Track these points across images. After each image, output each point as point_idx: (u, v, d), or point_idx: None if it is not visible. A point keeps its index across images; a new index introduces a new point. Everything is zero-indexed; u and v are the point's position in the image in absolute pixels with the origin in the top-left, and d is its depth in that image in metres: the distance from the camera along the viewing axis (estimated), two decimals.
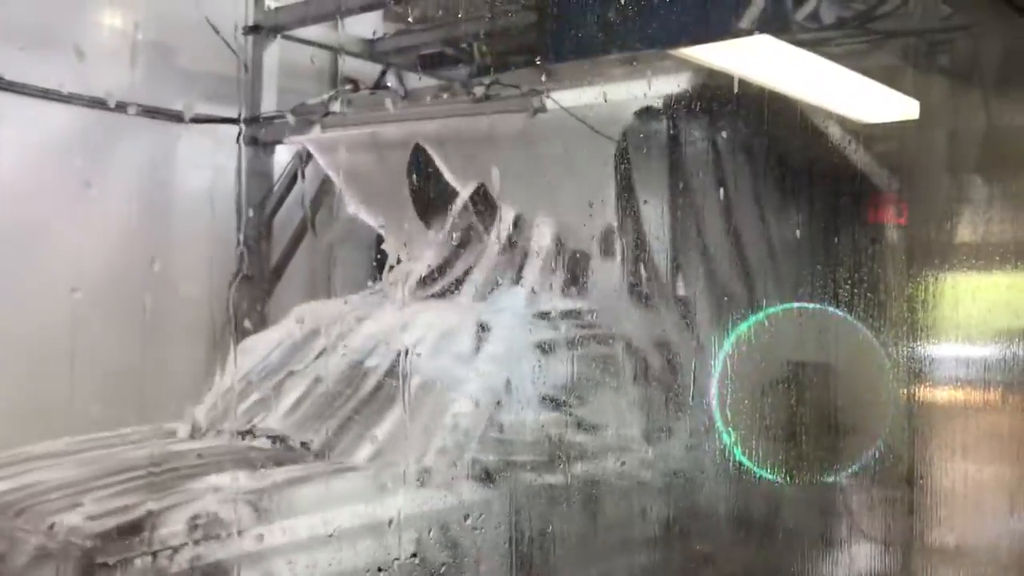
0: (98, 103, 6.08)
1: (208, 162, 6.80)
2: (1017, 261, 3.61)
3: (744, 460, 4.45)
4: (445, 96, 5.08)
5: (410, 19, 6.90)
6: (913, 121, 3.41)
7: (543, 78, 4.54)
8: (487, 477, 4.04)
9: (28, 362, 5.33)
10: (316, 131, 5.72)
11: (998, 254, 3.65)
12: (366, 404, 4.36)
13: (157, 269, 6.04)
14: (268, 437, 4.41)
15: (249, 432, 4.50)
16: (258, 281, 6.59)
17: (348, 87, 6.43)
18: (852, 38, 3.65)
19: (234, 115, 6.69)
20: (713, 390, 4.73)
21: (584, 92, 4.36)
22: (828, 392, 4.57)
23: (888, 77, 3.40)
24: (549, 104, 4.43)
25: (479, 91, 4.66)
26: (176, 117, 6.60)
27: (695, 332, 4.88)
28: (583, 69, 4.46)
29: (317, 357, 4.82)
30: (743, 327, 4.63)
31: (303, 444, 4.28)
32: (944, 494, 3.95)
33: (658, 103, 4.25)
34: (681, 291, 5.04)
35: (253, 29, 6.62)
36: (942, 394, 3.93)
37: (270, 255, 6.78)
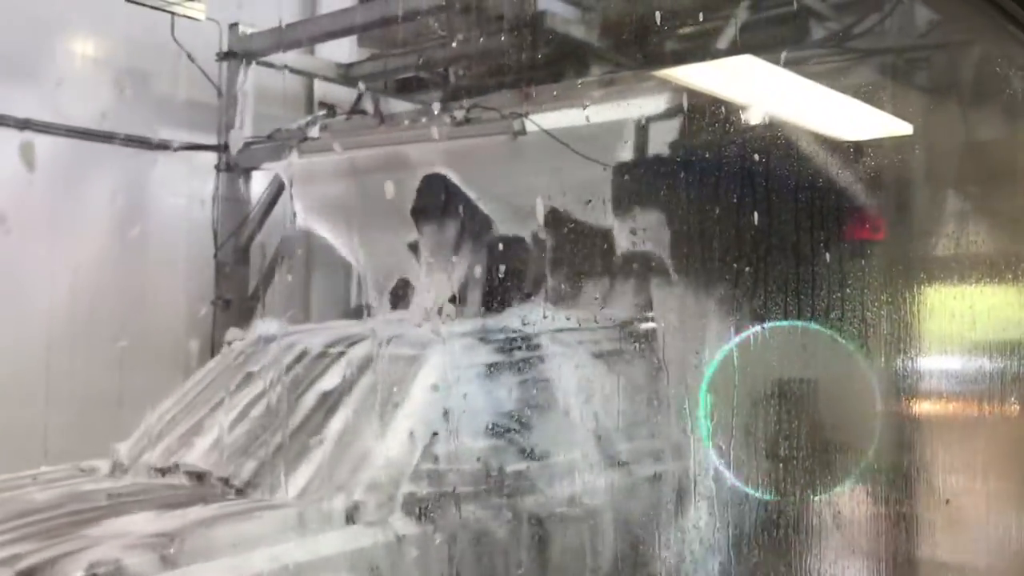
0: (73, 132, 6.04)
1: (184, 189, 6.76)
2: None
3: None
4: (423, 120, 5.06)
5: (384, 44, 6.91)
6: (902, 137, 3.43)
7: (523, 101, 4.53)
8: (422, 511, 3.79)
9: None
10: (294, 156, 5.69)
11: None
12: (295, 437, 4.09)
13: (129, 294, 5.99)
14: (188, 473, 4.10)
15: (170, 469, 4.18)
16: (236, 306, 6.53)
17: (324, 112, 6.40)
18: (838, 56, 3.68)
19: (209, 142, 6.67)
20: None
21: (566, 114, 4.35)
22: (807, 413, 4.57)
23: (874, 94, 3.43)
24: (529, 127, 4.42)
25: (459, 115, 4.64)
26: (154, 145, 6.57)
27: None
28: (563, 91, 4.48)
29: (246, 388, 4.54)
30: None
31: (225, 481, 3.96)
32: (926, 503, 3.96)
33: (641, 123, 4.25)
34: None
35: (227, 55, 6.59)
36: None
37: (247, 280, 6.72)
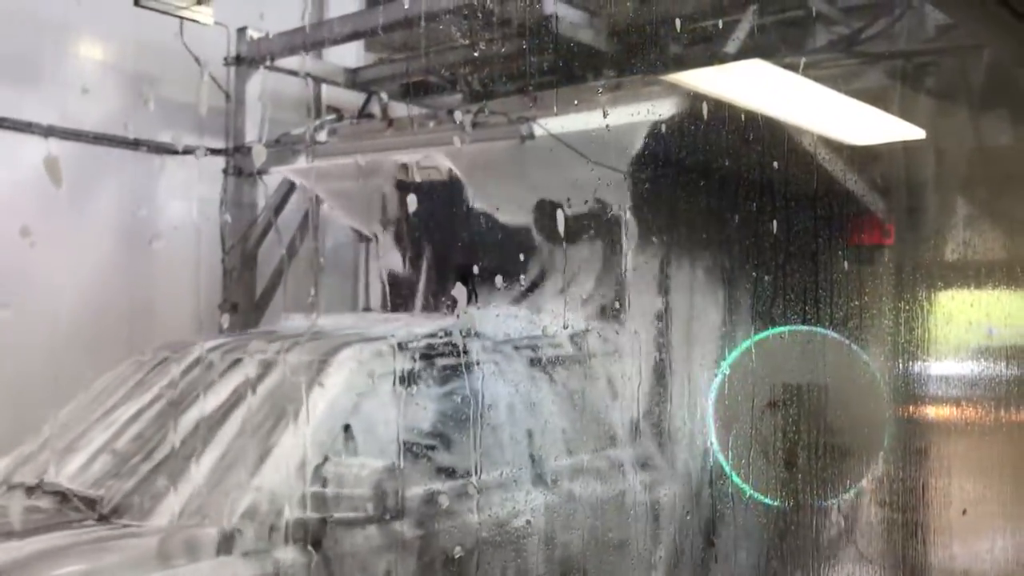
0: (80, 135, 6.06)
1: (192, 192, 6.77)
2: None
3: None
4: (432, 124, 5.05)
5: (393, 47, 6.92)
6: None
7: (531, 105, 4.53)
8: (309, 540, 3.41)
9: (7, 392, 5.23)
10: (302, 160, 5.69)
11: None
12: (173, 456, 3.67)
13: (139, 300, 6.00)
14: (51, 494, 3.63)
15: (36, 487, 3.72)
16: (243, 310, 6.53)
17: (332, 116, 6.40)
18: (849, 60, 3.66)
19: (216, 145, 6.69)
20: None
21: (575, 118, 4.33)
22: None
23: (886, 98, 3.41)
24: (538, 131, 4.41)
25: (467, 119, 4.64)
26: (162, 148, 6.58)
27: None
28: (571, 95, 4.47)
29: (133, 399, 4.15)
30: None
31: (90, 504, 3.49)
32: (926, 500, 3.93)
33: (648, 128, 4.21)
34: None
35: (236, 60, 6.60)
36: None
37: (255, 284, 6.73)
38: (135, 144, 6.45)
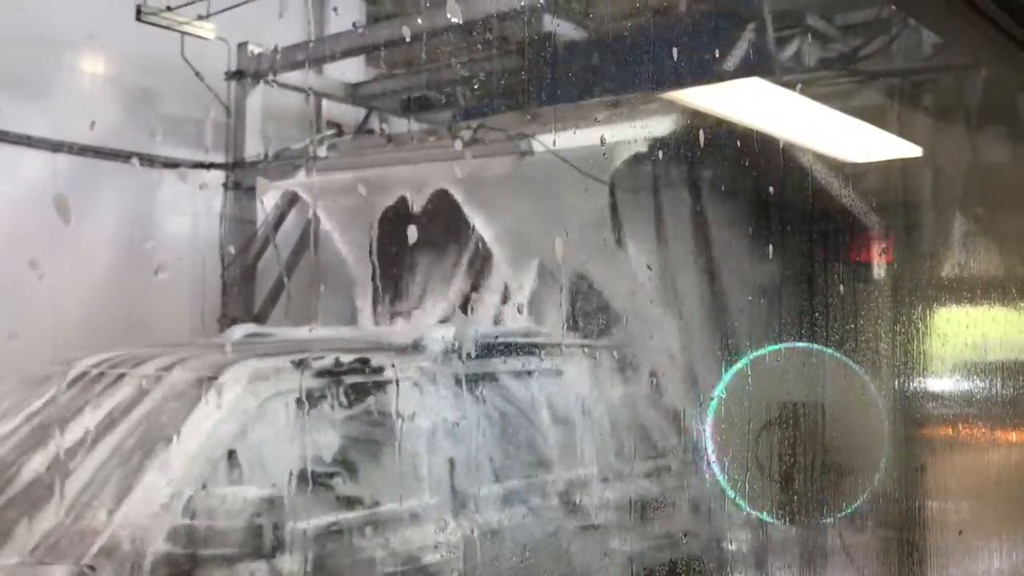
0: (80, 149, 6.08)
1: (190, 206, 6.79)
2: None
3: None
4: (431, 140, 5.07)
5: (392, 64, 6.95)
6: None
7: (529, 121, 4.55)
8: None
9: None
10: (302, 175, 5.71)
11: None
12: (33, 485, 3.33)
13: (136, 315, 6.00)
14: None
15: None
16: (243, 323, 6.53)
17: (332, 132, 6.43)
18: (844, 78, 3.68)
19: (216, 160, 6.71)
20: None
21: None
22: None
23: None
24: (536, 147, 4.43)
25: (466, 135, 4.65)
26: (162, 163, 6.61)
27: None
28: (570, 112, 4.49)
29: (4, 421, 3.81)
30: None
31: None
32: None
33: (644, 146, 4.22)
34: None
35: (236, 74, 6.63)
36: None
37: (254, 298, 6.73)
38: (133, 158, 6.47)
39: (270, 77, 6.63)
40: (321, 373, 3.72)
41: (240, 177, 6.56)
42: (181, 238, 6.66)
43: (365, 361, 3.86)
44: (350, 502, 3.57)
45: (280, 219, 6.49)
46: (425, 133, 5.25)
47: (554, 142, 4.23)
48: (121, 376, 3.70)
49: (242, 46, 6.63)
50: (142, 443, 3.39)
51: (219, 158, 6.71)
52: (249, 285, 6.66)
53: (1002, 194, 3.72)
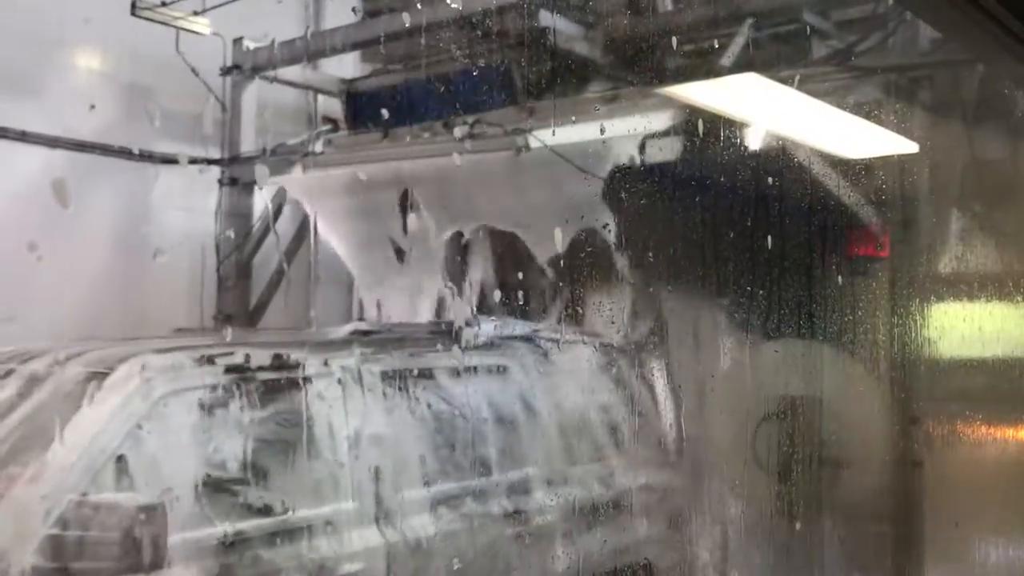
0: (77, 145, 6.06)
1: (186, 202, 6.78)
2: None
3: None
4: (426, 135, 5.07)
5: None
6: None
7: (526, 117, 4.54)
8: None
9: None
10: (297, 171, 5.70)
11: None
12: None
13: (132, 309, 5.99)
14: None
15: None
16: (238, 320, 6.52)
17: (328, 127, 6.41)
18: (843, 74, 3.69)
19: (211, 155, 6.69)
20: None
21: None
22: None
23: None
24: (533, 143, 4.43)
25: (463, 131, 4.65)
26: (154, 158, 6.59)
27: None
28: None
29: None
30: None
31: None
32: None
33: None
34: None
35: (231, 70, 6.61)
36: None
37: (250, 294, 6.72)
38: (130, 154, 6.46)
39: (265, 72, 6.61)
40: (229, 370, 3.45)
41: (236, 172, 6.55)
42: (177, 233, 6.65)
43: (280, 358, 3.61)
44: (257, 509, 3.33)
45: (276, 214, 6.48)
46: (421, 129, 5.24)
47: (553, 133, 4.21)
48: (9, 372, 3.38)
49: (237, 41, 6.61)
50: (19, 446, 3.11)
51: (215, 153, 6.70)
52: (245, 280, 6.65)
53: (999, 190, 3.73)
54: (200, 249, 6.63)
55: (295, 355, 3.66)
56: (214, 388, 3.38)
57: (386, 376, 3.88)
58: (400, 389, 3.91)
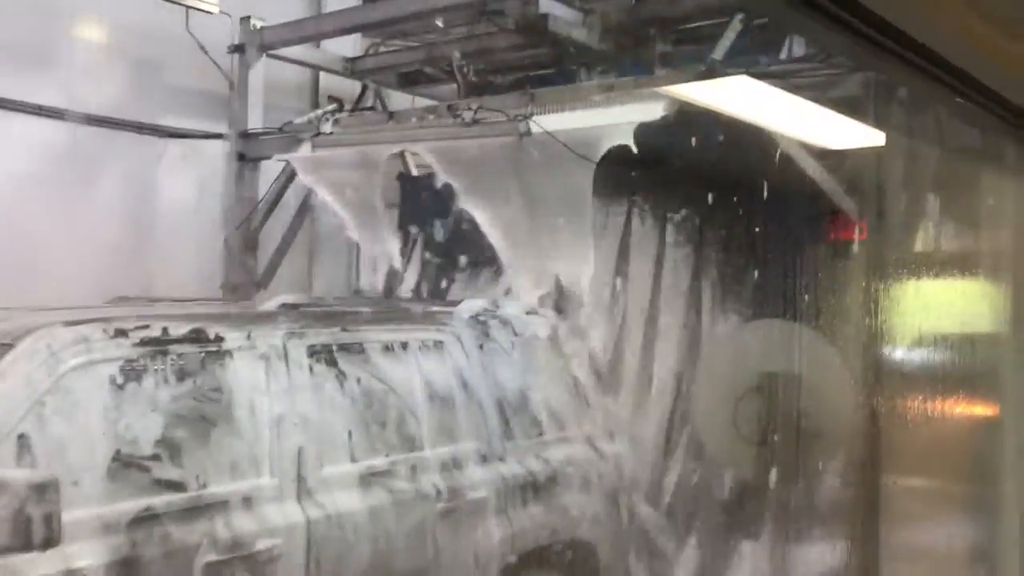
0: (86, 119, 6.26)
1: (194, 176, 6.99)
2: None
3: None
4: (431, 118, 5.30)
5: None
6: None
7: (528, 103, 4.78)
8: None
9: None
10: (306, 148, 5.93)
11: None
12: None
13: (139, 282, 6.20)
14: None
15: None
16: (244, 291, 6.76)
17: (333, 106, 6.63)
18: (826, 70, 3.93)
19: (219, 130, 6.90)
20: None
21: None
22: None
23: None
24: (534, 128, 4.67)
25: (468, 115, 4.89)
26: (165, 132, 6.80)
27: None
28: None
29: None
30: None
31: None
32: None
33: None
34: None
35: (239, 48, 6.81)
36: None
37: (256, 266, 6.96)
38: (140, 128, 6.67)
39: (272, 51, 6.81)
40: (144, 343, 3.37)
41: (243, 148, 6.76)
42: (184, 206, 6.88)
43: (200, 332, 3.54)
44: (170, 485, 3.27)
45: (282, 190, 6.71)
46: (425, 111, 5.47)
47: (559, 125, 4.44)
48: None
49: (244, 20, 6.80)
50: None
51: (223, 129, 6.90)
52: (251, 252, 6.89)
53: (964, 179, 4.00)
54: (208, 222, 6.86)
55: (216, 329, 3.59)
56: (127, 361, 3.29)
57: (313, 351, 3.82)
58: (328, 364, 3.86)
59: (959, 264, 3.03)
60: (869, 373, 4.27)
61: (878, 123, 3.82)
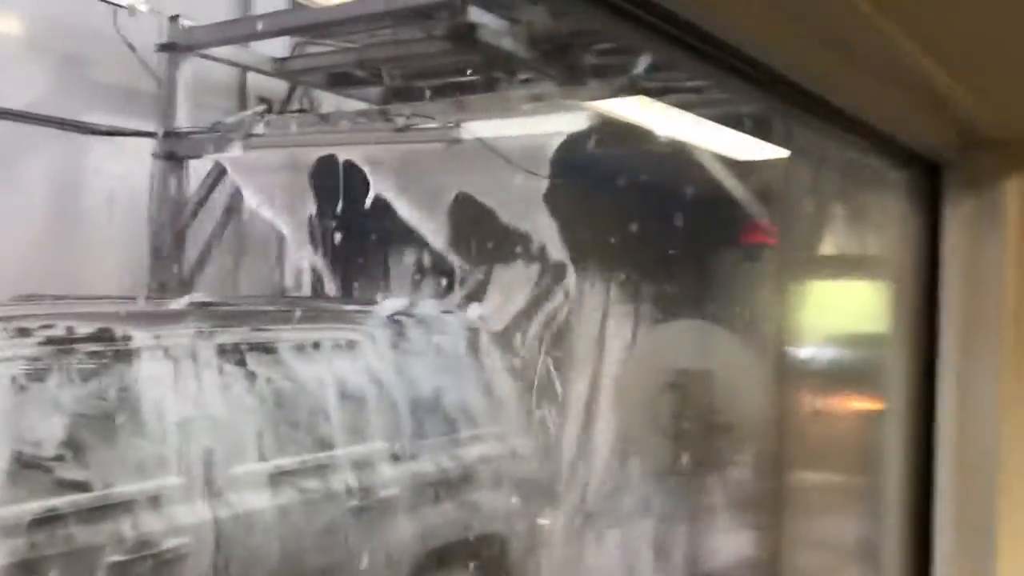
0: (10, 114, 6.19)
1: (120, 174, 6.95)
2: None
3: None
4: (363, 121, 5.43)
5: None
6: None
7: (458, 111, 4.94)
8: None
9: None
10: (237, 149, 5.98)
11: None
12: None
13: (62, 280, 6.16)
14: None
15: None
16: (171, 290, 6.76)
17: (262, 107, 6.69)
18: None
19: (146, 128, 6.88)
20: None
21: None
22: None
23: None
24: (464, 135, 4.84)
25: (400, 120, 5.03)
26: (88, 129, 6.75)
27: None
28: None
29: None
30: None
31: None
32: None
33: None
34: None
35: (168, 47, 6.81)
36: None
37: (182, 265, 6.97)
38: (63, 124, 6.61)
39: (200, 50, 6.83)
40: (48, 343, 3.33)
41: (170, 147, 6.77)
42: (111, 204, 6.84)
43: (107, 331, 3.50)
44: (73, 486, 3.23)
45: (210, 189, 6.74)
46: (357, 114, 5.59)
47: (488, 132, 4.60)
48: None
49: (174, 19, 6.81)
50: None
51: (150, 127, 6.89)
52: (177, 252, 6.89)
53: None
54: (135, 220, 6.84)
55: (124, 328, 3.56)
56: (29, 361, 3.24)
57: (223, 351, 3.81)
58: (238, 364, 3.85)
59: (855, 269, 3.30)
60: (775, 370, 4.56)
61: (783, 138, 4.11)
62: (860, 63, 1.38)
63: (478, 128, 4.80)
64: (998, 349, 2.01)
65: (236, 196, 6.72)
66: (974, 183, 2.05)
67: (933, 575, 2.05)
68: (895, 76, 1.45)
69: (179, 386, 3.62)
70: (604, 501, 5.67)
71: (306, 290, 6.83)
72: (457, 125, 4.83)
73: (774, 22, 1.12)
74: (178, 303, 4.97)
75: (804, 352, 3.95)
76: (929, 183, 2.10)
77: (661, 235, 5.19)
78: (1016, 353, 2.00)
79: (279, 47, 7.55)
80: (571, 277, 5.12)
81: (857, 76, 1.45)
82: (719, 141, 4.24)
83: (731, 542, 5.45)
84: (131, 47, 6.53)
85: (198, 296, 5.22)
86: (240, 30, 6.95)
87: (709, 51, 1.17)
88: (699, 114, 3.92)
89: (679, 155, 4.39)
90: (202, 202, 6.78)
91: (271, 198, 5.74)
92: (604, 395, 5.40)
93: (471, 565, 4.55)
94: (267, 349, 3.98)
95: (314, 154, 5.41)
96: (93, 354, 3.41)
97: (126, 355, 3.52)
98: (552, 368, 5.47)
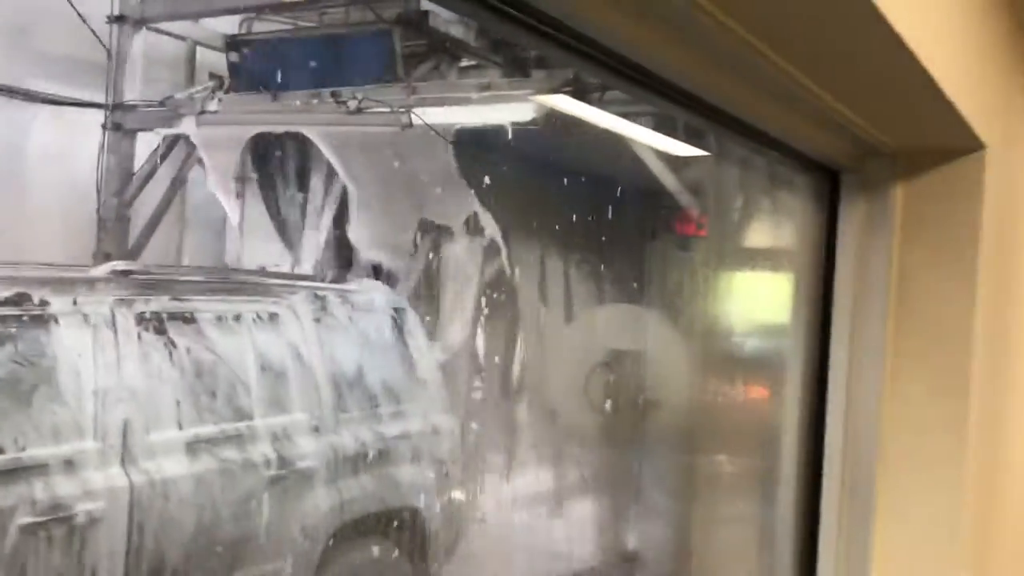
0: None
1: (68, 144, 6.96)
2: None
3: None
4: (315, 102, 5.57)
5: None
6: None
7: (409, 95, 5.13)
8: None
9: None
10: (189, 124, 6.08)
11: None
12: None
13: (7, 248, 6.17)
14: None
15: None
16: (117, 259, 6.81)
17: (213, 83, 6.77)
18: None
19: (95, 100, 6.90)
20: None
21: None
22: None
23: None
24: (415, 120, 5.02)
25: (352, 103, 5.18)
26: (38, 98, 6.74)
27: None
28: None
29: None
30: None
31: None
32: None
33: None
34: None
35: (119, 19, 6.84)
36: None
37: (128, 236, 7.03)
38: (10, 91, 6.60)
39: (151, 24, 6.88)
40: None
41: (119, 119, 6.82)
42: (57, 174, 6.85)
43: (23, 295, 3.52)
44: None
45: (158, 163, 6.81)
46: (310, 95, 5.74)
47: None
48: None
49: None
50: None
51: (99, 99, 6.92)
52: (123, 223, 6.95)
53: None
54: (82, 191, 6.87)
55: (41, 293, 3.58)
56: None
57: (143, 319, 3.84)
58: (157, 333, 3.89)
59: (768, 262, 3.55)
60: (699, 353, 4.85)
61: (707, 140, 4.37)
62: (759, 86, 1.63)
63: (428, 114, 4.98)
64: (883, 339, 2.28)
65: (184, 169, 6.80)
66: (867, 188, 2.34)
67: (819, 544, 2.33)
68: (789, 97, 1.71)
69: (97, 353, 3.66)
70: (528, 475, 5.90)
71: (247, 263, 6.94)
72: (408, 110, 5.00)
73: (674, 45, 1.35)
74: (98, 270, 4.95)
75: (721, 338, 4.20)
76: (828, 187, 2.38)
77: (599, 223, 5.44)
78: (897, 343, 2.29)
79: (230, 24, 7.61)
80: (504, 255, 5.27)
81: (758, 96, 1.70)
82: (655, 138, 4.51)
83: (652, 515, 5.70)
84: (81, 17, 6.54)
85: (120, 264, 5.15)
86: (192, 5, 7.00)
87: (629, 73, 1.41)
88: (634, 113, 4.17)
89: (619, 148, 4.64)
90: (149, 175, 6.85)
91: (217, 172, 5.85)
92: (536, 372, 5.64)
93: (387, 537, 4.66)
94: (187, 319, 4.04)
95: (253, 129, 5.53)
96: (8, 318, 3.44)
97: (43, 320, 3.54)
98: (482, 345, 5.66)
